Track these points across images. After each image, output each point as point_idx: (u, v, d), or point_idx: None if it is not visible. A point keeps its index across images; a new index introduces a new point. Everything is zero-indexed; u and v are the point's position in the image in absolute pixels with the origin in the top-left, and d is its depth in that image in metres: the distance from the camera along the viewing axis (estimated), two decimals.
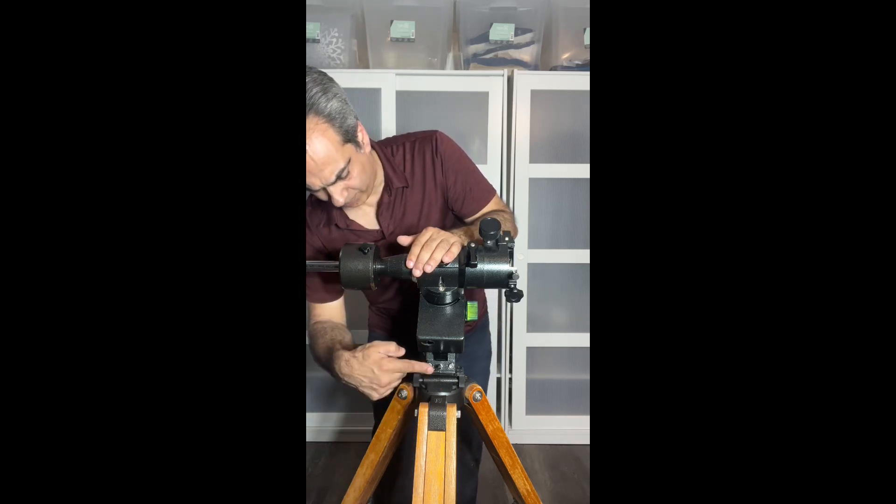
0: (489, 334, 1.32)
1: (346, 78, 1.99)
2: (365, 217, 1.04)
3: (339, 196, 0.90)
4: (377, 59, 2.06)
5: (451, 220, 1.10)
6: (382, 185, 1.03)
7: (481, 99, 2.02)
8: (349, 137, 0.89)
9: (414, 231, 0.91)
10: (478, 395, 0.92)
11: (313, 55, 2.01)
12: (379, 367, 0.85)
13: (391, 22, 2.01)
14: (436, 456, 0.81)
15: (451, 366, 0.88)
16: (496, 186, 1.95)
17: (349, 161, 0.89)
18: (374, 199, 1.03)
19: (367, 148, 0.96)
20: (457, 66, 2.23)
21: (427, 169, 1.03)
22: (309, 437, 2.16)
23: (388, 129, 2.01)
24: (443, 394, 0.87)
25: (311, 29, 1.98)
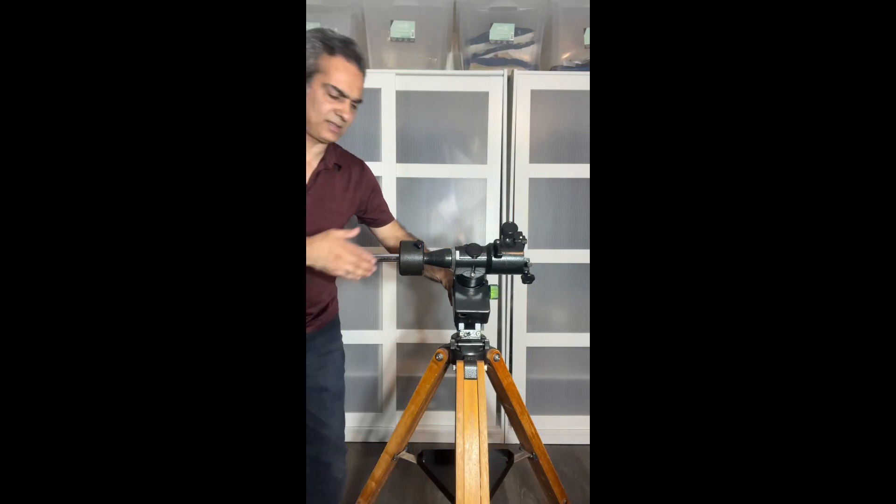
0: (340, 335, 1.44)
1: None
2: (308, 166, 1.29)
3: (348, 114, 1.19)
4: (377, 59, 2.06)
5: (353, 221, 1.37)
6: (321, 157, 1.26)
7: (481, 99, 2.02)
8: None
9: (324, 206, 1.23)
10: (496, 357, 1.22)
11: None
12: (342, 247, 1.11)
13: (391, 22, 2.01)
14: (471, 398, 1.10)
15: (479, 334, 1.16)
16: (496, 186, 2.11)
17: (360, 102, 1.22)
18: (314, 161, 1.25)
19: None
20: (457, 66, 2.23)
21: (353, 176, 1.31)
22: None
23: (389, 128, 2.01)
24: (472, 354, 1.14)
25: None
